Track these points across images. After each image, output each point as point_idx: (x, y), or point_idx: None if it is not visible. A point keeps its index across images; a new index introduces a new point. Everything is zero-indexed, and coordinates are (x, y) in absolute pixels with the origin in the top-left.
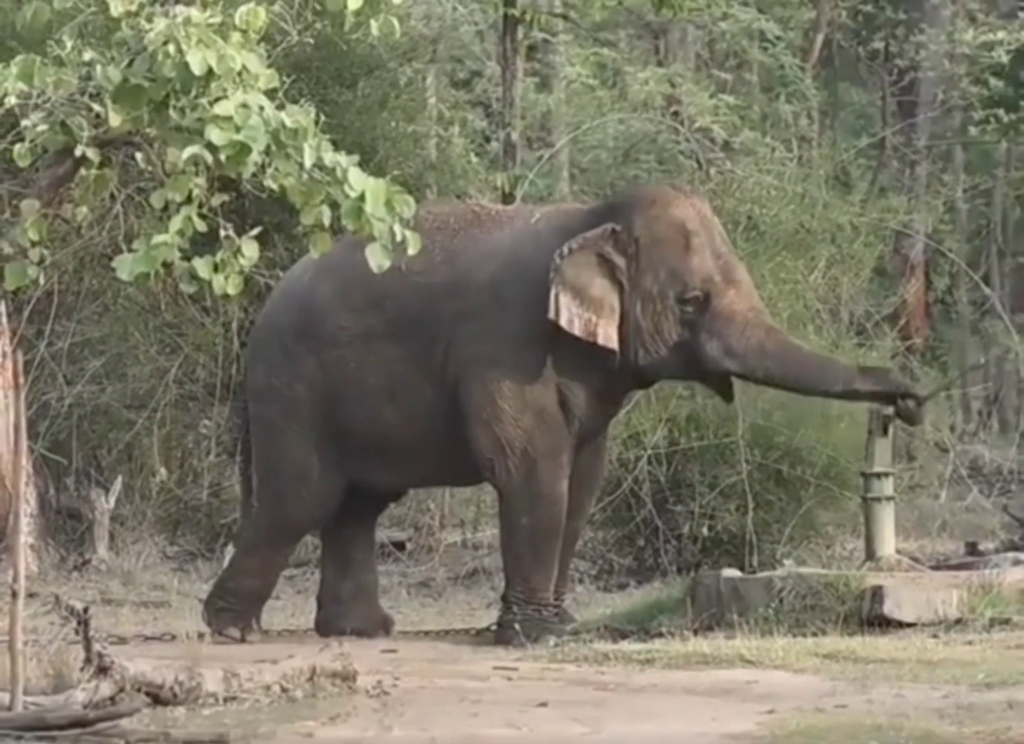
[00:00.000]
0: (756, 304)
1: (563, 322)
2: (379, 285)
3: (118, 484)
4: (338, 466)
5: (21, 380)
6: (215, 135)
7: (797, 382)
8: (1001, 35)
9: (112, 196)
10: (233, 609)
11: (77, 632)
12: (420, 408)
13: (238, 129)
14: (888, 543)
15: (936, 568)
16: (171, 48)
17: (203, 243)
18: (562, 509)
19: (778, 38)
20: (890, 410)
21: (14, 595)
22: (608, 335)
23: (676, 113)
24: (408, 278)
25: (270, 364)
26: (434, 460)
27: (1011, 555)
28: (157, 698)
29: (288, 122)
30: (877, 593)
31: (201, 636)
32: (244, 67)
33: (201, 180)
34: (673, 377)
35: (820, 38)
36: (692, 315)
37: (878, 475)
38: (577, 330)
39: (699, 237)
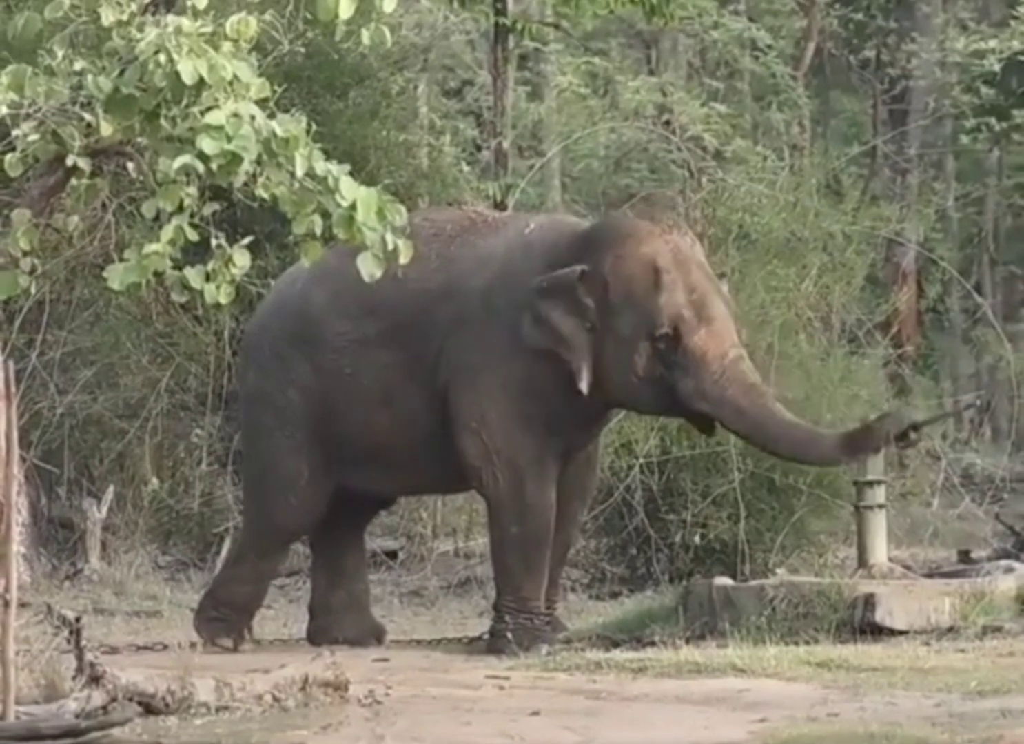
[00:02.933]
0: (730, 348)
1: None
2: (375, 291)
3: (110, 493)
4: (328, 472)
5: (12, 390)
6: (206, 144)
7: (775, 450)
8: (992, 43)
9: (103, 205)
10: (225, 619)
11: (69, 642)
12: (413, 415)
13: (229, 138)
14: (880, 551)
15: (928, 576)
16: (162, 57)
17: (194, 252)
18: (550, 518)
19: (769, 47)
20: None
21: (6, 604)
22: (580, 376)
23: (667, 122)
24: (404, 284)
25: (262, 369)
26: (426, 467)
27: (1003, 563)
28: (149, 708)
29: (279, 131)
30: (869, 601)
31: (193, 646)
32: (235, 76)
33: (192, 189)
34: (651, 412)
35: (811, 47)
36: (665, 352)
37: (870, 483)
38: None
39: (670, 274)
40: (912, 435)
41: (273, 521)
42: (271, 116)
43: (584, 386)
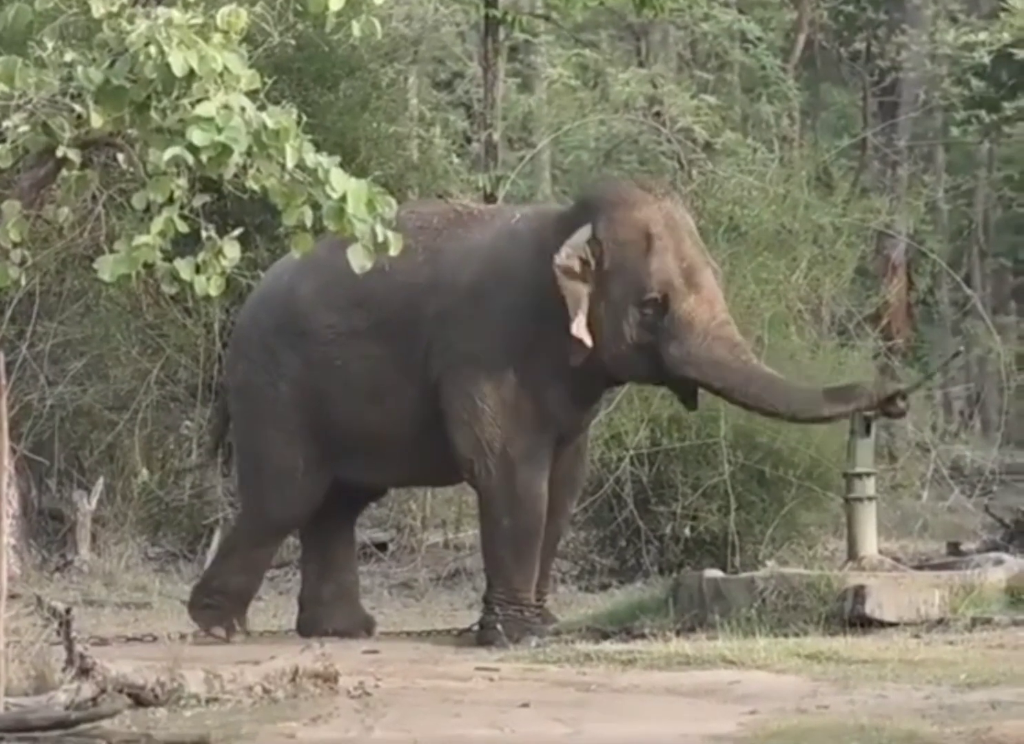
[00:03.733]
0: (719, 313)
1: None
2: (363, 284)
3: (100, 485)
4: (321, 464)
5: (3, 381)
6: (196, 136)
7: (758, 402)
8: (982, 36)
9: (94, 197)
10: (218, 608)
11: (59, 633)
12: (402, 407)
13: (219, 130)
14: (870, 543)
15: (918, 568)
16: (152, 49)
17: (185, 244)
18: (542, 509)
19: (759, 39)
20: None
21: None
22: (581, 330)
23: (658, 114)
24: (391, 277)
25: (252, 363)
26: (416, 460)
27: (993, 555)
28: (139, 699)
29: (270, 123)
30: (859, 593)
31: (183, 637)
32: (225, 68)
33: (183, 181)
34: (639, 380)
35: (801, 39)
36: (652, 318)
37: (860, 475)
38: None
39: (662, 240)
40: (900, 403)
41: (270, 514)
42: (261, 108)
43: (584, 337)
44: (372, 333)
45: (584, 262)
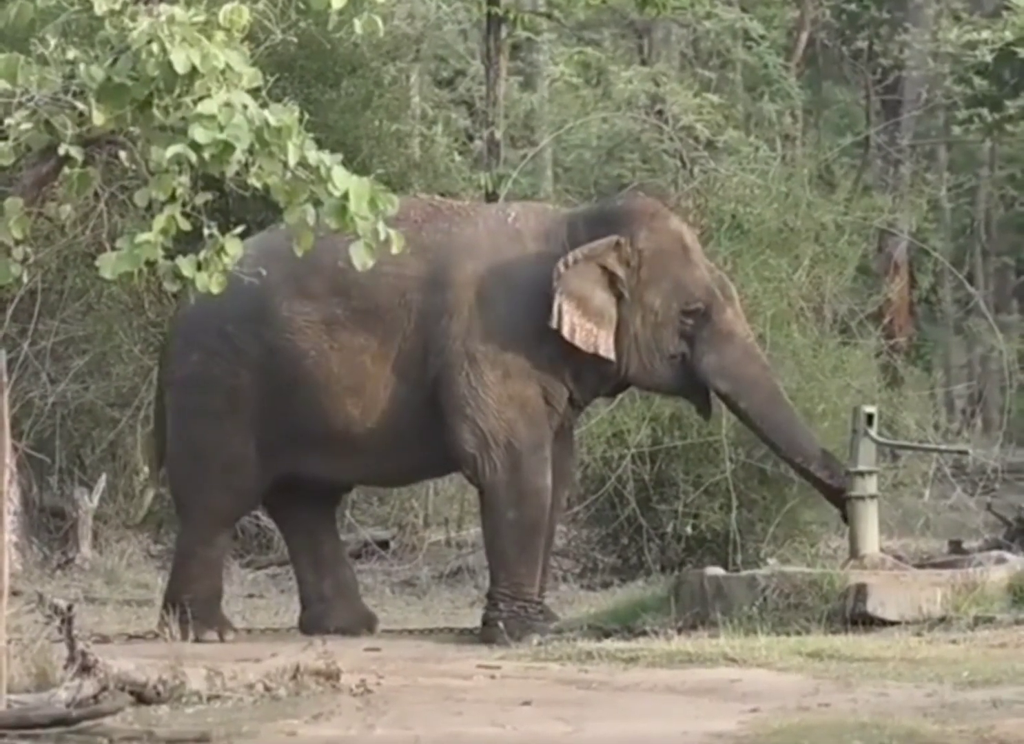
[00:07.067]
0: (748, 329)
1: (565, 332)
2: (341, 273)
3: (102, 482)
4: (274, 457)
5: (4, 379)
6: (199, 134)
7: (766, 429)
8: (985, 34)
9: (96, 194)
10: (197, 616)
11: (60, 630)
12: (386, 401)
13: (222, 128)
14: (872, 541)
15: (920, 566)
16: (155, 47)
17: (187, 241)
18: (546, 502)
19: (762, 37)
20: (873, 409)
21: None
22: (608, 346)
23: (660, 112)
24: (374, 268)
25: (208, 351)
26: (395, 455)
27: (995, 553)
28: (140, 697)
29: (272, 121)
30: (861, 591)
31: (185, 634)
32: (228, 66)
33: (185, 179)
34: (659, 389)
35: (804, 37)
36: (691, 329)
37: (862, 473)
38: (578, 341)
39: (695, 251)
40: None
41: (216, 507)
42: (263, 105)
43: (612, 355)
44: (353, 324)
45: (608, 270)
